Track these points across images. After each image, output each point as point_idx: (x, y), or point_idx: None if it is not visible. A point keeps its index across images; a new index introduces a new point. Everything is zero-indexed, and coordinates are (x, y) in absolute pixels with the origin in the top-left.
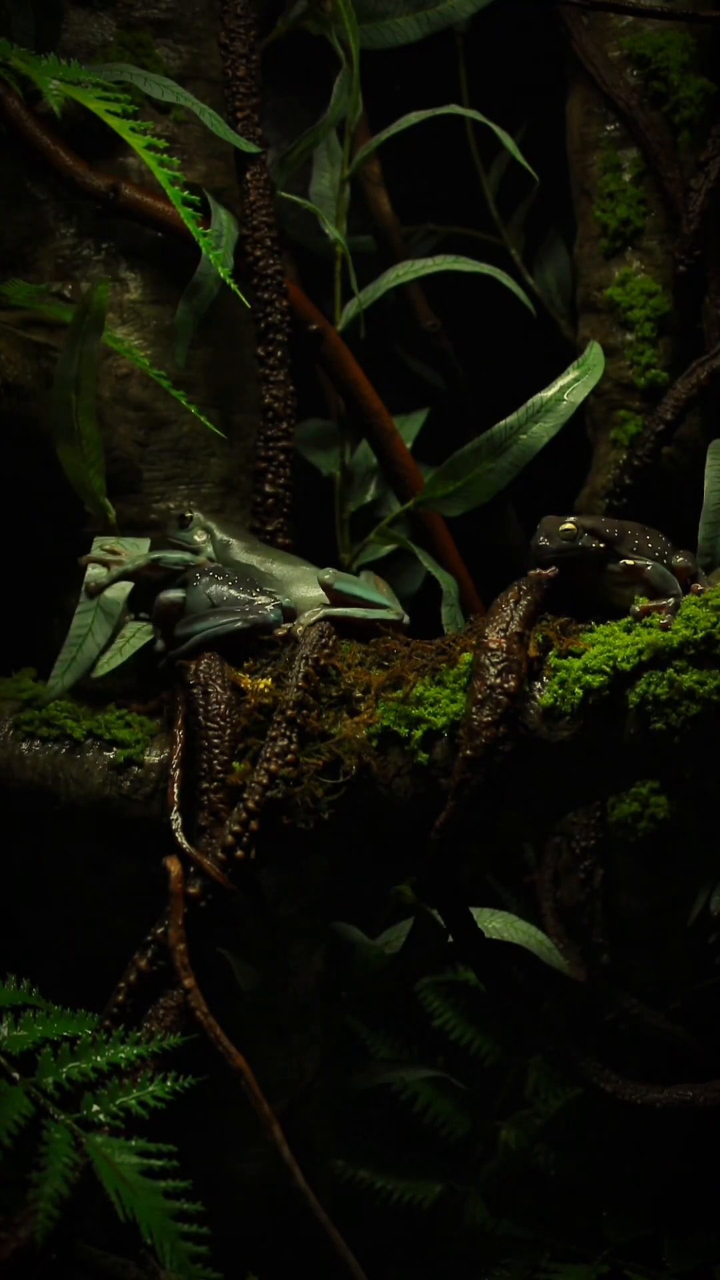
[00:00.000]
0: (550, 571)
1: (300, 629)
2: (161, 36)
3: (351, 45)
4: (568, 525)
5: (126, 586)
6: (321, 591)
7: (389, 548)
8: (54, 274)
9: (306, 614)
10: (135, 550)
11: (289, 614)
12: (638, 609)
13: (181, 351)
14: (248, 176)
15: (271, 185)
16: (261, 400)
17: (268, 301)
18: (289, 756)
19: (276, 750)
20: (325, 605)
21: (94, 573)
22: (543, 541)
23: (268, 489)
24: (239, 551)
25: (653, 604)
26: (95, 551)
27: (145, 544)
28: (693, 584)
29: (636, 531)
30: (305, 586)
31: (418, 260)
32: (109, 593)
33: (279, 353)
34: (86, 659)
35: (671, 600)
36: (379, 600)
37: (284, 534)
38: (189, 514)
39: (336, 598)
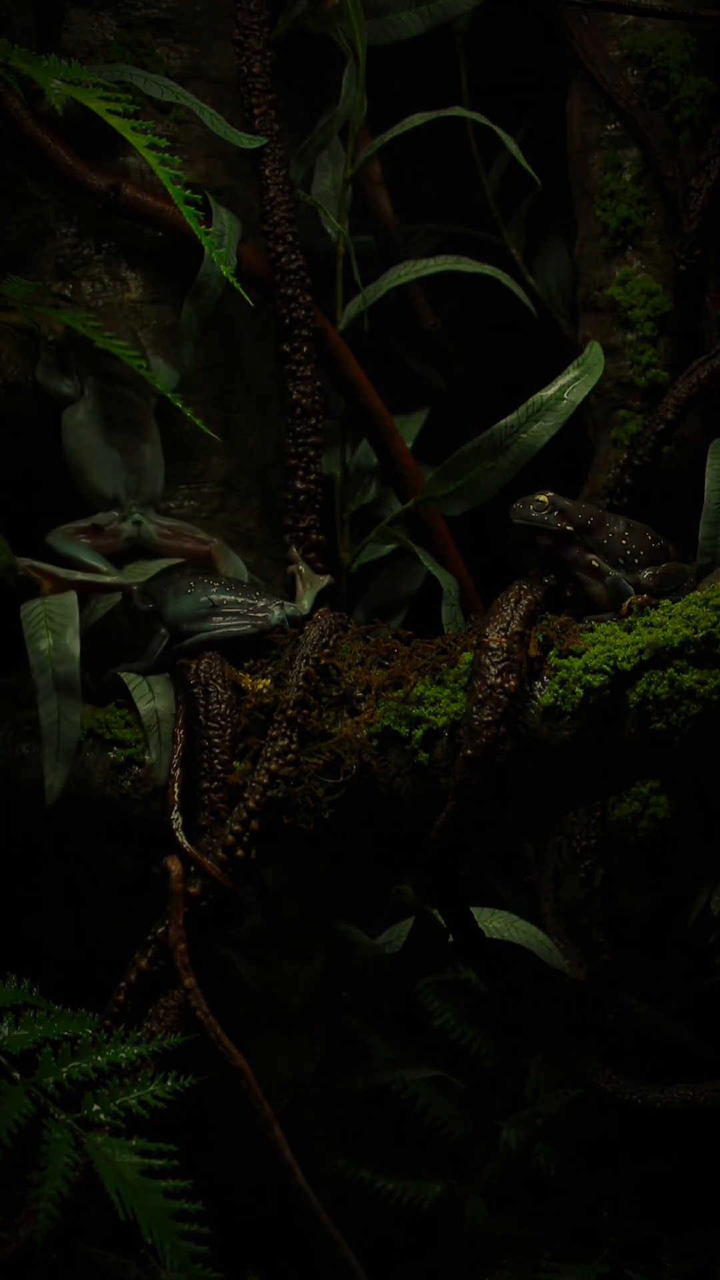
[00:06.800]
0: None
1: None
2: (161, 36)
3: (358, 41)
4: (541, 497)
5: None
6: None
7: (389, 547)
8: (54, 274)
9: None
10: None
11: (294, 620)
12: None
13: (188, 352)
14: (266, 172)
15: (289, 181)
16: (289, 397)
17: (291, 297)
18: (289, 756)
19: (277, 750)
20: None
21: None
22: (517, 505)
23: (299, 485)
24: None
25: (597, 617)
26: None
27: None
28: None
29: (617, 526)
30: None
31: (419, 260)
32: (53, 606)
33: (305, 348)
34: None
35: (610, 616)
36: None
37: (316, 530)
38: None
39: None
